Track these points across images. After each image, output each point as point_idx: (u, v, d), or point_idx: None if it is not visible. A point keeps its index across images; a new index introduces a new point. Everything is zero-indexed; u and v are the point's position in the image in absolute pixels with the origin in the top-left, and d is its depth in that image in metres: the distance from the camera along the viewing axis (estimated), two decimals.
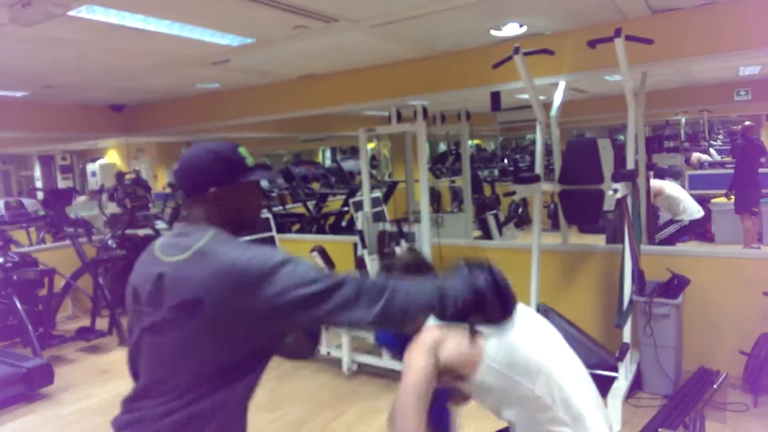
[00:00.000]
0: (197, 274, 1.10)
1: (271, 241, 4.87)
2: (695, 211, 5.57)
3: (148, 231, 5.88)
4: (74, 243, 5.11)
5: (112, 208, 6.51)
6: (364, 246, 4.09)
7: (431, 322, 1.31)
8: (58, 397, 3.96)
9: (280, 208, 7.49)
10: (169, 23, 3.14)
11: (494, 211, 6.71)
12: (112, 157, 12.22)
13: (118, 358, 4.65)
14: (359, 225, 4.49)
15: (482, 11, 3.25)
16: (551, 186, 3.88)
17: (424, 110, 4.11)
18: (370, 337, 4.19)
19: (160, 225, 6.13)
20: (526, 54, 3.45)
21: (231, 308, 1.07)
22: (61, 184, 12.23)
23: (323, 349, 4.24)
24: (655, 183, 5.42)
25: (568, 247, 4.31)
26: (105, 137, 6.38)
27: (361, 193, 4.76)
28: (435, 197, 7.56)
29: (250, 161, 1.30)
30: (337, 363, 4.14)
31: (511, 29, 3.67)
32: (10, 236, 6.07)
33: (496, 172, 9.92)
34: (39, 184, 12.87)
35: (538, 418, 1.40)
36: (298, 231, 6.72)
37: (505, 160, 11.18)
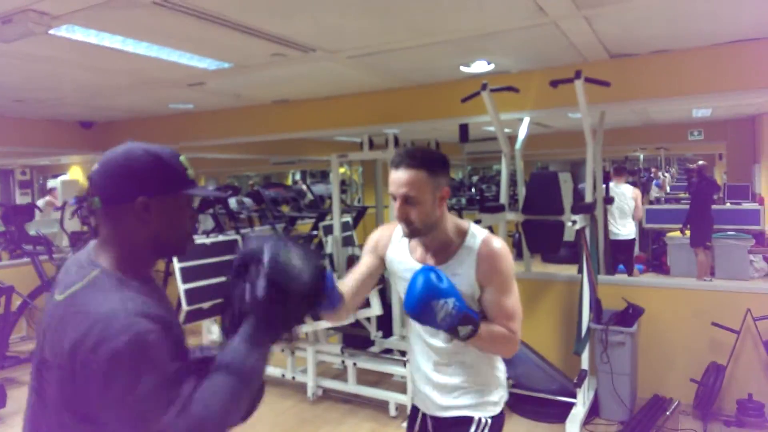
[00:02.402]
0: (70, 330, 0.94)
1: None
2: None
3: None
4: (34, 261, 4.99)
5: (74, 225, 6.37)
6: (332, 270, 4.14)
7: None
8: (10, 420, 3.84)
9: (248, 230, 7.47)
10: (147, 45, 3.18)
11: None
12: (75, 173, 12.00)
13: None
14: (329, 249, 4.55)
15: (453, 48, 3.41)
16: (515, 216, 4.03)
17: (396, 138, 4.24)
18: (336, 361, 4.21)
19: None
20: (492, 90, 3.63)
21: None
22: (20, 199, 11.87)
23: (288, 374, 4.24)
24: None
25: (530, 275, 4.45)
26: (73, 154, 6.27)
27: (331, 218, 4.82)
28: None
29: (191, 173, 1.12)
30: (302, 388, 4.13)
31: (480, 66, 3.85)
32: None
33: (463, 200, 10.12)
34: None
35: None
36: None
37: (473, 189, 11.44)
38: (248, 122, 5.33)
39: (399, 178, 1.45)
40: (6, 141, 5.49)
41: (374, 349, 4.27)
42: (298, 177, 13.60)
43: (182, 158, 1.12)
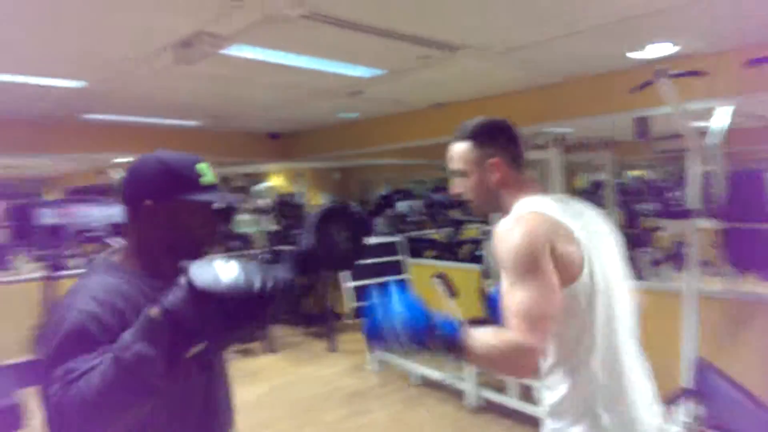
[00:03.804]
0: None
1: (397, 264, 4.97)
2: None
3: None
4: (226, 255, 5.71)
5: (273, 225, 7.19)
6: (487, 276, 3.97)
7: None
8: None
9: (418, 233, 7.62)
10: (306, 58, 3.41)
11: (645, 249, 6.08)
12: (276, 181, 13.58)
13: (265, 363, 5.05)
14: (486, 254, 4.38)
15: (622, 32, 3.01)
16: (710, 222, 3.39)
17: (559, 138, 3.91)
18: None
19: None
20: (673, 76, 3.10)
21: None
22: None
23: (447, 378, 4.09)
24: None
25: (734, 295, 3.70)
26: (263, 163, 7.07)
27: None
28: None
29: (206, 180, 1.14)
30: (460, 394, 3.99)
31: (655, 50, 3.34)
32: None
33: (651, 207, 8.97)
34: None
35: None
36: (434, 257, 6.74)
37: (670, 193, 10.08)
38: (408, 127, 5.42)
39: (448, 152, 1.38)
40: (208, 152, 6.40)
41: None
42: None
43: (200, 166, 1.15)
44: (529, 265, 1.13)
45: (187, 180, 1.12)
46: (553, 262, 1.15)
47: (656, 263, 6.10)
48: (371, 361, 4.67)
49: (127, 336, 0.88)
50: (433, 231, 7.59)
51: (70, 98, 4.33)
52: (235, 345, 1.13)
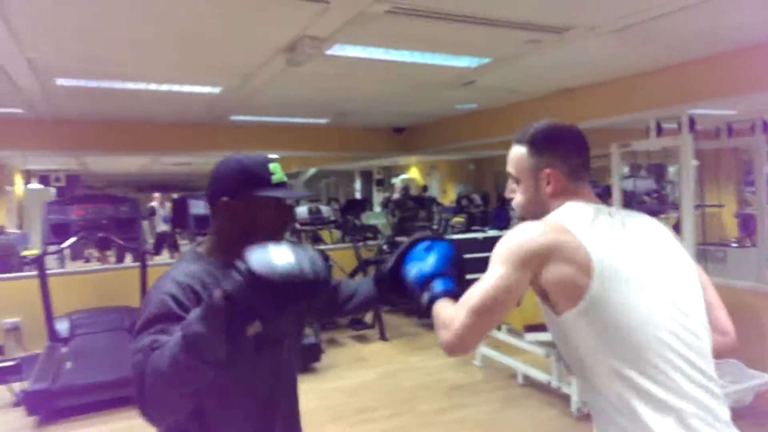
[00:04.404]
0: None
1: None
2: None
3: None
4: (354, 245, 6.00)
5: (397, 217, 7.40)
6: None
7: None
8: (322, 373, 4.64)
9: None
10: (408, 53, 3.46)
11: None
12: (413, 173, 13.87)
13: (376, 349, 5.26)
14: None
15: None
16: None
17: (692, 121, 3.47)
18: None
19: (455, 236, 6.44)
20: None
21: None
22: (376, 195, 14.40)
23: (553, 381, 3.92)
24: None
25: None
26: (389, 156, 7.28)
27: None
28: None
29: (276, 178, 1.23)
30: (566, 399, 3.79)
31: None
32: (319, 235, 7.53)
33: None
34: (358, 195, 15.46)
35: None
36: None
37: None
38: (530, 116, 5.14)
39: (508, 155, 1.29)
40: (337, 147, 6.78)
41: None
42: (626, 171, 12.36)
43: (272, 165, 1.25)
44: (502, 260, 1.11)
45: (259, 178, 1.22)
46: (532, 274, 1.09)
47: None
48: (479, 356, 4.60)
49: (192, 315, 1.00)
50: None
51: (213, 103, 4.91)
52: (289, 329, 1.20)
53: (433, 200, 8.12)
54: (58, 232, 5.03)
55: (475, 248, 4.33)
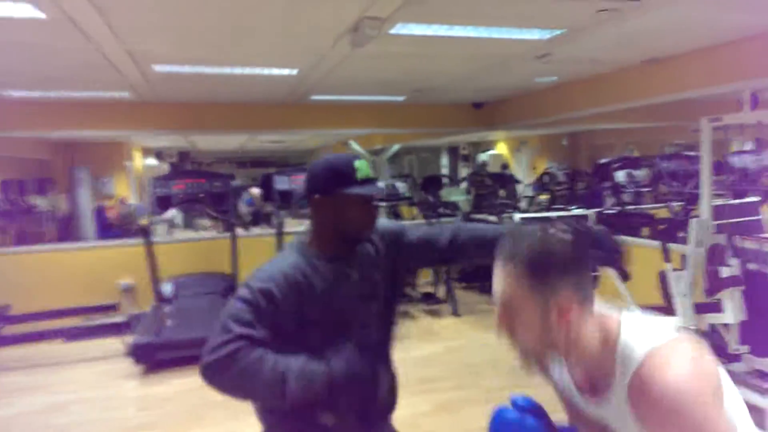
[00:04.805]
0: None
1: None
2: None
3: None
4: (428, 221, 6.07)
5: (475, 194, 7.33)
6: (668, 258, 3.46)
7: None
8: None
9: (632, 207, 6.82)
10: (473, 28, 3.42)
11: None
12: (501, 149, 13.51)
13: (447, 324, 5.35)
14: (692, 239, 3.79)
15: None
16: None
17: None
18: None
19: (514, 215, 5.99)
20: None
21: None
22: (462, 171, 14.25)
23: None
24: None
25: None
26: (469, 132, 7.19)
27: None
28: None
29: (361, 175, 1.33)
30: None
31: None
32: (399, 211, 7.67)
33: None
34: (445, 171, 15.36)
35: None
36: (649, 236, 5.96)
37: None
38: (615, 88, 4.88)
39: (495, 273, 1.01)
40: (415, 124, 6.81)
41: (739, 367, 3.35)
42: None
43: (357, 162, 1.35)
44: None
45: (346, 176, 1.33)
46: None
47: None
48: None
49: (295, 366, 1.20)
50: (653, 205, 6.68)
51: (294, 84, 5.14)
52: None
53: (510, 177, 7.88)
54: (162, 203, 5.60)
55: None
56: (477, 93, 6.19)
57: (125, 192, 11.37)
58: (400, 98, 6.21)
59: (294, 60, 4.22)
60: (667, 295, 3.11)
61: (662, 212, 6.46)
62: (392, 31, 3.33)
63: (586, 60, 4.42)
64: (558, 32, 3.54)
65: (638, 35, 3.67)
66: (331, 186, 1.31)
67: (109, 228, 8.67)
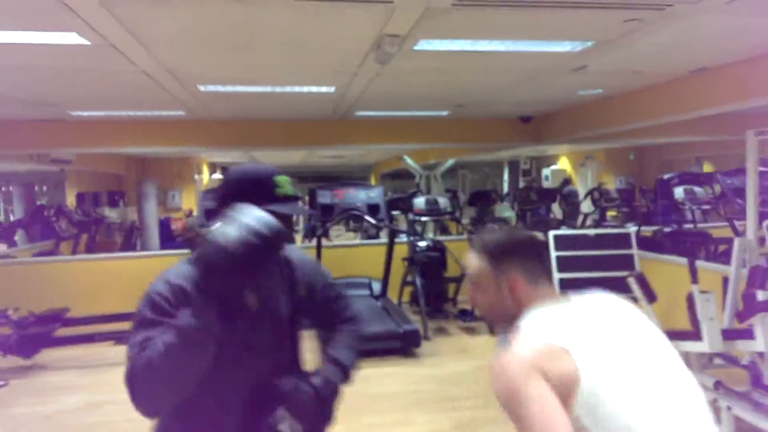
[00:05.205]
0: None
1: (626, 258, 4.40)
2: None
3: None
4: (469, 237, 5.99)
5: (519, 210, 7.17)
6: (695, 280, 3.22)
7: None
8: (422, 359, 4.76)
9: (691, 225, 6.41)
10: (499, 42, 3.39)
11: None
12: (563, 164, 13.11)
13: (481, 342, 5.22)
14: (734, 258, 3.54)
15: None
16: None
17: None
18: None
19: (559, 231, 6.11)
20: None
21: None
22: (521, 185, 13.97)
23: None
24: None
25: None
26: (515, 147, 7.06)
27: None
28: None
29: (281, 192, 1.27)
30: None
31: None
32: (445, 225, 7.64)
33: None
34: (505, 186, 15.13)
35: None
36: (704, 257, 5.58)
37: None
38: (663, 100, 4.65)
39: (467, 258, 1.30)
40: (459, 139, 6.77)
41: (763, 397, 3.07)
42: None
43: (278, 178, 1.30)
44: (519, 398, 0.98)
45: (264, 191, 1.27)
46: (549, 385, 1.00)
47: None
48: None
49: (183, 311, 1.11)
50: (711, 224, 6.24)
51: (335, 101, 5.29)
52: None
53: (570, 192, 7.67)
54: (209, 216, 5.91)
55: (583, 245, 4.08)
56: (521, 107, 6.09)
57: (192, 205, 12.02)
58: (443, 113, 6.22)
59: (328, 78, 4.34)
60: (695, 319, 2.89)
61: (725, 231, 6.04)
62: (417, 48, 3.37)
63: (627, 72, 4.26)
64: (588, 44, 3.44)
65: (677, 45, 3.50)
66: (247, 199, 1.19)
67: (173, 239, 9.18)
